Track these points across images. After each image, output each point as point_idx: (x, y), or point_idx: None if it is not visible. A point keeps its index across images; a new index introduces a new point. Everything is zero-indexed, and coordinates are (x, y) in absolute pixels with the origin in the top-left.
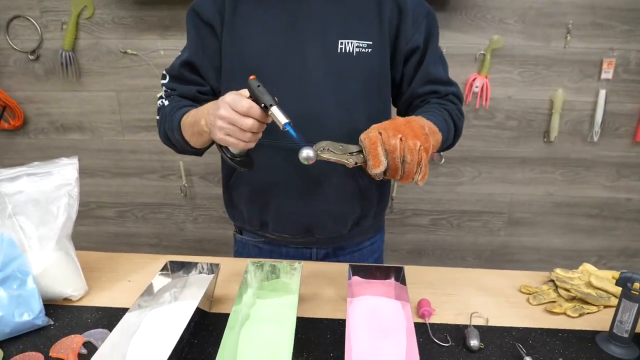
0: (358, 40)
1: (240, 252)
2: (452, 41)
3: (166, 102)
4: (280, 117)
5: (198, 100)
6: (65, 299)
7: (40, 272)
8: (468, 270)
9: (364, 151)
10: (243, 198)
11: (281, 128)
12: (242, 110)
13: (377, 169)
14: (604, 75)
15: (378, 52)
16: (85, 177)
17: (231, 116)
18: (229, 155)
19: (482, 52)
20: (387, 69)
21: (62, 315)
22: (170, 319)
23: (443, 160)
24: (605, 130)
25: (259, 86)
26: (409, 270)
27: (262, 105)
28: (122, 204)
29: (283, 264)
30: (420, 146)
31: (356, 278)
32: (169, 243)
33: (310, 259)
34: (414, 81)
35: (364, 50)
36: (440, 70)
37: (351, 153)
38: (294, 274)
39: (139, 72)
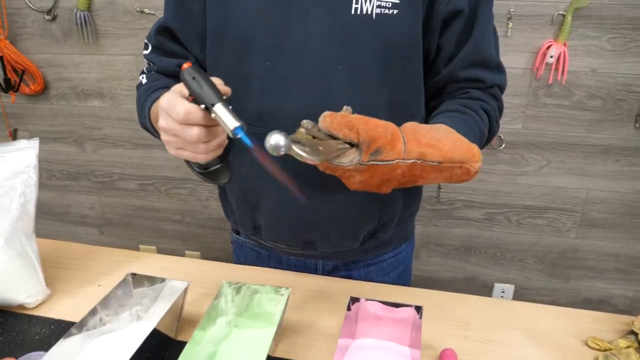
0: None
1: (238, 254)
2: None
3: (144, 80)
4: (227, 119)
5: None
6: (21, 306)
7: None
8: (514, 304)
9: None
10: (234, 195)
11: (230, 135)
12: (178, 118)
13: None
14: None
15: (406, 14)
16: (108, 147)
17: (170, 127)
18: (196, 167)
19: (561, 12)
20: (419, 38)
21: (10, 327)
22: (123, 346)
23: (503, 145)
24: None
25: (194, 78)
26: (434, 300)
27: (204, 106)
28: (144, 176)
29: (266, 289)
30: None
31: (360, 310)
32: (192, 220)
33: (315, 271)
34: (456, 58)
35: (387, 10)
36: (492, 48)
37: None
38: (278, 301)
39: None
